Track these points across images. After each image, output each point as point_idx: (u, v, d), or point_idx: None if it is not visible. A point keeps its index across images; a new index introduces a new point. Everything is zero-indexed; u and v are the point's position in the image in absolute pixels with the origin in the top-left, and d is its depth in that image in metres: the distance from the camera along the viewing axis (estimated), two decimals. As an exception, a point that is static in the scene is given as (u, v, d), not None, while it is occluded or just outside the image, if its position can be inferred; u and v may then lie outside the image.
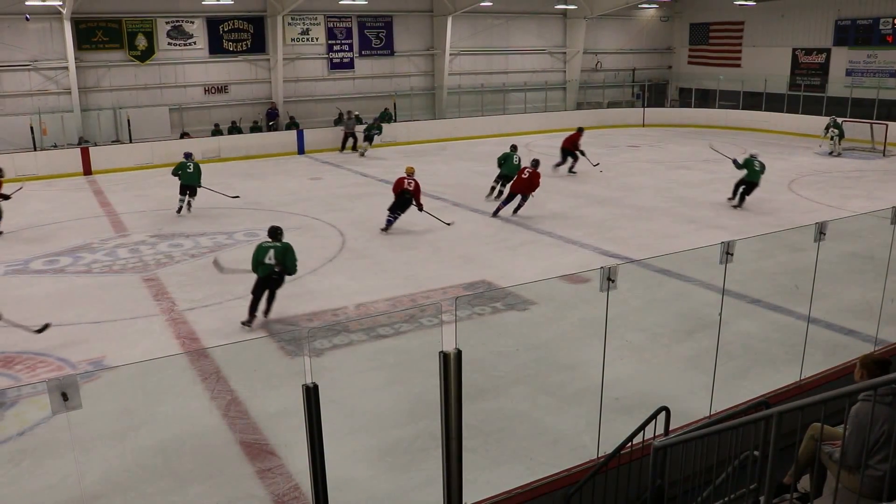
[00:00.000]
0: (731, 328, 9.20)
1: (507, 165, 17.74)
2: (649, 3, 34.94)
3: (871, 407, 4.31)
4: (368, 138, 25.55)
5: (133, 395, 7.74)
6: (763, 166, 16.98)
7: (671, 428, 6.15)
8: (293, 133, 26.24)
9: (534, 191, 16.23)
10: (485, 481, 6.04)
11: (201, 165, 17.37)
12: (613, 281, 5.65)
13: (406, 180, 15.34)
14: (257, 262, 10.24)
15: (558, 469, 6.12)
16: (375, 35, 29.68)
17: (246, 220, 16.17)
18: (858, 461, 4.36)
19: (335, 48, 28.93)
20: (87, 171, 22.36)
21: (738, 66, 34.34)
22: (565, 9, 32.96)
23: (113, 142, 24.49)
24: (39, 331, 9.60)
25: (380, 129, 25.94)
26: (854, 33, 30.10)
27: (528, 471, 6.26)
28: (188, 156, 17.31)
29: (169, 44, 25.77)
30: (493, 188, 18.00)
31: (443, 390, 4.61)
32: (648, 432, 5.93)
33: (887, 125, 24.74)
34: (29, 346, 9.43)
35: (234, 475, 6.85)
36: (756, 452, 4.87)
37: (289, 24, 27.51)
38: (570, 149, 21.11)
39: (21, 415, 7.76)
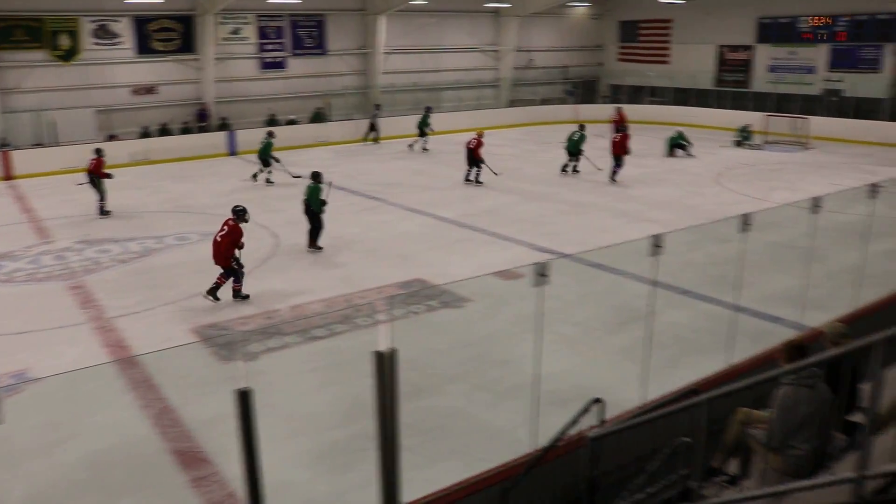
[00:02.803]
0: (662, 319, 9.36)
1: (567, 142, 20.91)
2: (579, 2, 35.38)
3: (793, 390, 4.45)
4: (422, 133, 25.83)
5: (60, 408, 7.51)
6: (679, 133, 23.44)
7: (605, 419, 6.23)
8: (225, 134, 25.80)
9: (623, 152, 19.60)
10: (423, 479, 6.01)
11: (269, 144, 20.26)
12: (546, 276, 5.69)
13: (471, 140, 19.52)
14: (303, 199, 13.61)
15: (495, 464, 6.14)
16: (308, 34, 29.39)
17: (176, 223, 15.85)
18: (783, 442, 4.48)
19: (267, 48, 28.56)
20: (8, 175, 21.60)
21: (667, 62, 35.07)
22: (497, 7, 33.16)
23: (35, 145, 23.68)
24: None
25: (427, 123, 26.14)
26: (776, 31, 31.05)
27: (466, 467, 6.25)
28: (268, 133, 20.61)
29: (94, 44, 25.04)
30: (565, 165, 21.06)
31: (378, 390, 4.58)
32: (583, 424, 5.99)
33: (808, 119, 25.56)
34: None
35: (168, 485, 6.70)
36: (687, 439, 4.96)
37: (219, 23, 27.04)
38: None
39: (-60, 431, 7.45)
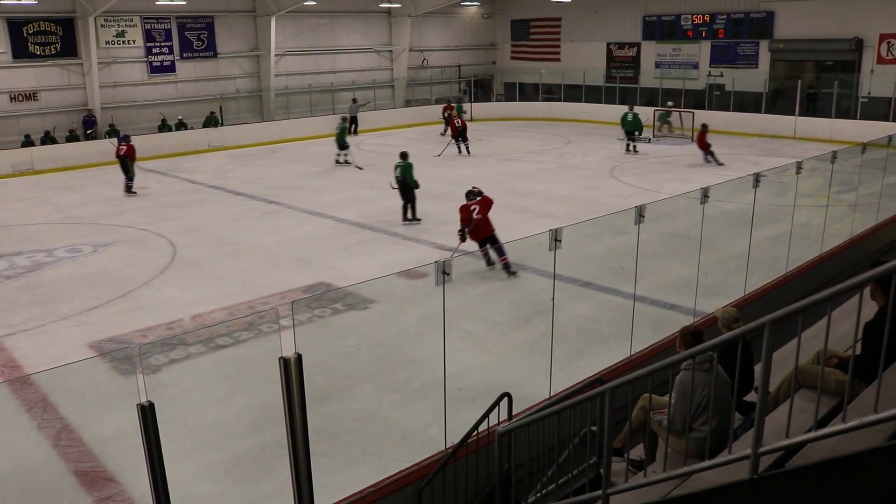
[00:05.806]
0: (565, 311, 9.56)
1: (623, 122, 23.26)
2: (471, 1, 35.77)
3: (691, 375, 4.64)
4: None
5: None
6: (635, 116, 23.09)
7: (514, 413, 6.35)
8: (114, 141, 24.80)
9: (705, 147, 21.50)
10: (337, 484, 5.99)
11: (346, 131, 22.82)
12: (449, 274, 5.76)
13: (455, 120, 23.81)
14: (395, 177, 15.18)
15: (409, 464, 6.17)
16: (196, 36, 28.66)
17: (67, 235, 15.19)
18: (684, 425, 4.67)
19: (154, 51, 27.69)
20: None
21: (558, 60, 35.87)
22: (389, 7, 33.17)
23: None
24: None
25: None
26: (660, 28, 32.25)
27: (380, 469, 6.26)
28: (343, 118, 23.89)
29: (-36, 48, 23.70)
30: (627, 146, 23.52)
31: (285, 396, 4.54)
32: (493, 419, 6.09)
33: (693, 113, 26.59)
34: None
35: (70, 508, 6.44)
36: (594, 427, 5.11)
37: (102, 25, 26.02)
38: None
39: None
